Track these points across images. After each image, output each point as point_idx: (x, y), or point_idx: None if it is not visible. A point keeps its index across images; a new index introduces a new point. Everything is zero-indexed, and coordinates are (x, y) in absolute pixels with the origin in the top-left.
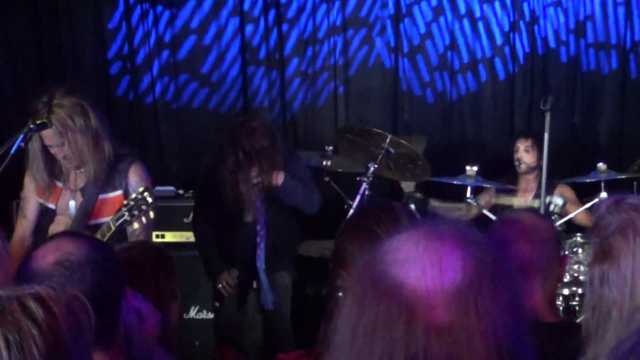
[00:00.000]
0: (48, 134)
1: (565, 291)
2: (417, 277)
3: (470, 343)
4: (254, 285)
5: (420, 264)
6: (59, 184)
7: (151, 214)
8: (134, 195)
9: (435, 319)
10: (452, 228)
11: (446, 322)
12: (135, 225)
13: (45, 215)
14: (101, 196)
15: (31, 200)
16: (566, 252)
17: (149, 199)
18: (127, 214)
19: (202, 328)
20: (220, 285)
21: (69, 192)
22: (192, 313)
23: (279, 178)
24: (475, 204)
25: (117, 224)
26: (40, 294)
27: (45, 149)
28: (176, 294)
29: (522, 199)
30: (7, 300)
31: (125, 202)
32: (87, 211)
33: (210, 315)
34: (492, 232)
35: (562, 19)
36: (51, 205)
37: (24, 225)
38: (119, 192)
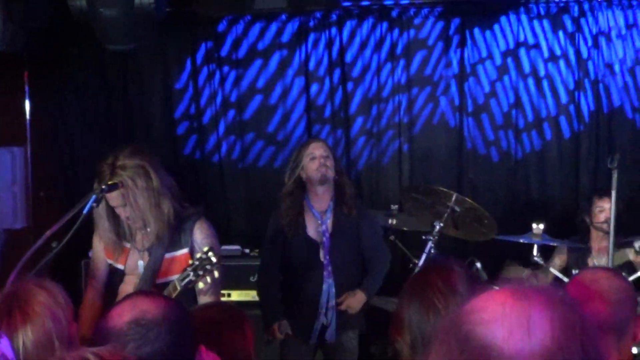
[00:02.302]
0: (112, 195)
1: (635, 350)
2: (504, 338)
3: None
4: (324, 322)
5: (507, 325)
6: (127, 245)
7: (216, 274)
8: (198, 255)
9: None
10: (537, 287)
11: None
12: (201, 284)
13: (115, 276)
14: (168, 255)
15: (100, 261)
16: None
17: (214, 259)
18: (192, 273)
19: None
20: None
21: (137, 252)
22: None
23: (360, 300)
24: (542, 262)
25: (183, 283)
26: (96, 351)
27: (111, 210)
28: (250, 356)
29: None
30: (69, 357)
31: (190, 261)
32: (155, 270)
33: None
34: (568, 290)
35: (627, 76)
36: (120, 266)
37: (94, 285)
38: (185, 251)
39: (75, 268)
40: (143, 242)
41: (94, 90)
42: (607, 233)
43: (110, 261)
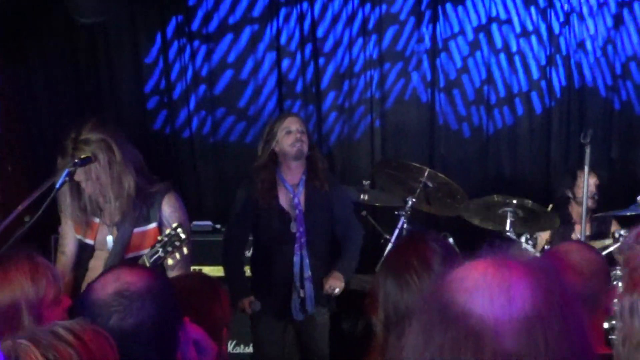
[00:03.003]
0: (77, 170)
1: (606, 325)
2: (484, 305)
3: None
4: (300, 294)
5: (487, 293)
6: (96, 220)
7: (185, 250)
8: (167, 231)
9: (503, 348)
10: (519, 257)
11: (514, 352)
12: (170, 261)
13: (85, 251)
14: (136, 230)
15: (69, 237)
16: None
17: (182, 235)
18: (161, 250)
19: None
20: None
21: (106, 227)
22: (230, 347)
23: (339, 284)
24: (514, 237)
25: (152, 260)
26: (67, 325)
27: (75, 186)
28: (228, 324)
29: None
30: (40, 332)
31: (159, 238)
32: (124, 245)
33: (248, 350)
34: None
35: (598, 52)
36: (89, 241)
37: (63, 261)
38: (154, 225)
39: (46, 243)
40: (111, 217)
41: (63, 65)
42: (592, 210)
43: (79, 236)
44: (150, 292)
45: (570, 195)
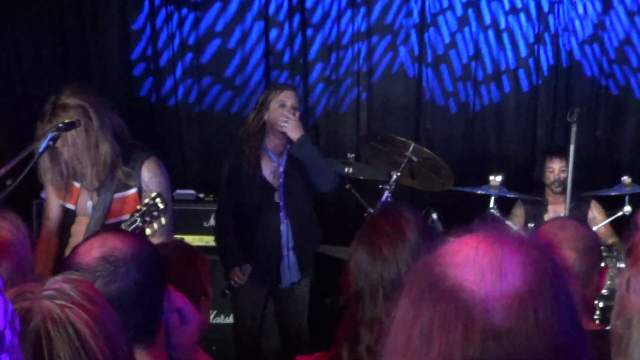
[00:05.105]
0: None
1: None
2: (475, 280)
3: (529, 348)
4: (284, 261)
5: (479, 268)
6: (77, 185)
7: (163, 220)
8: (146, 201)
9: (494, 324)
10: (511, 232)
11: (504, 327)
12: (148, 231)
13: (67, 216)
14: (117, 195)
15: (52, 202)
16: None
17: (161, 205)
18: (139, 219)
19: (220, 333)
20: (232, 282)
21: (87, 192)
22: (210, 317)
23: (297, 131)
24: (498, 214)
25: (130, 229)
26: (71, 279)
27: (53, 151)
28: (207, 293)
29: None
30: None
31: (137, 207)
32: (104, 211)
33: (228, 320)
34: (538, 236)
35: (587, 32)
36: (70, 206)
37: (47, 226)
38: (134, 190)
39: (27, 208)
40: (92, 182)
41: (49, 29)
42: (556, 193)
43: (61, 201)
44: (135, 258)
45: (542, 178)
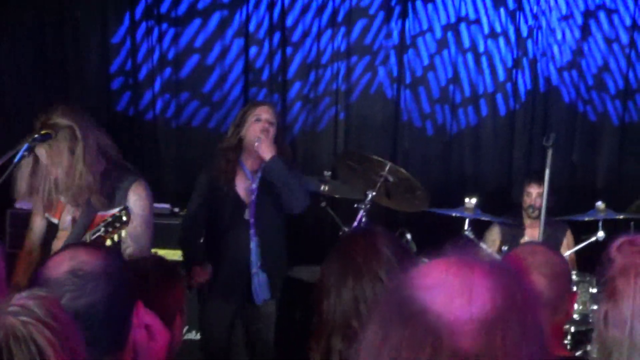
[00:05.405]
0: (41, 151)
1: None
2: (444, 303)
3: None
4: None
5: (448, 291)
6: (63, 199)
7: (123, 233)
8: (114, 212)
9: (462, 347)
10: (482, 257)
11: (472, 351)
12: (108, 242)
13: (50, 231)
14: (101, 212)
15: (37, 214)
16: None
17: (124, 218)
18: (103, 229)
19: (189, 348)
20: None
21: (70, 207)
22: None
23: (268, 151)
24: (472, 237)
25: (93, 237)
26: (35, 296)
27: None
28: (183, 309)
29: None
30: (6, 305)
31: (106, 217)
32: (85, 227)
33: (198, 336)
34: (507, 262)
35: (565, 58)
36: (54, 220)
37: (30, 237)
38: (116, 210)
39: (1, 217)
40: (74, 199)
41: (29, 41)
42: (530, 218)
43: (47, 215)
44: (105, 272)
45: (521, 201)
